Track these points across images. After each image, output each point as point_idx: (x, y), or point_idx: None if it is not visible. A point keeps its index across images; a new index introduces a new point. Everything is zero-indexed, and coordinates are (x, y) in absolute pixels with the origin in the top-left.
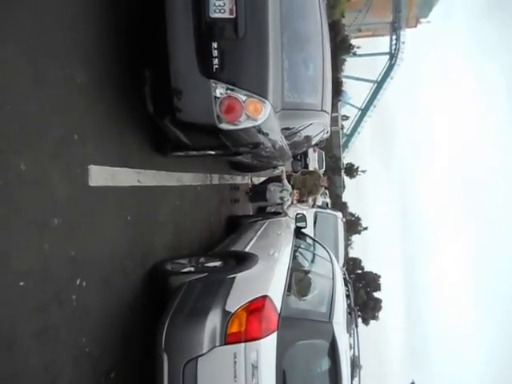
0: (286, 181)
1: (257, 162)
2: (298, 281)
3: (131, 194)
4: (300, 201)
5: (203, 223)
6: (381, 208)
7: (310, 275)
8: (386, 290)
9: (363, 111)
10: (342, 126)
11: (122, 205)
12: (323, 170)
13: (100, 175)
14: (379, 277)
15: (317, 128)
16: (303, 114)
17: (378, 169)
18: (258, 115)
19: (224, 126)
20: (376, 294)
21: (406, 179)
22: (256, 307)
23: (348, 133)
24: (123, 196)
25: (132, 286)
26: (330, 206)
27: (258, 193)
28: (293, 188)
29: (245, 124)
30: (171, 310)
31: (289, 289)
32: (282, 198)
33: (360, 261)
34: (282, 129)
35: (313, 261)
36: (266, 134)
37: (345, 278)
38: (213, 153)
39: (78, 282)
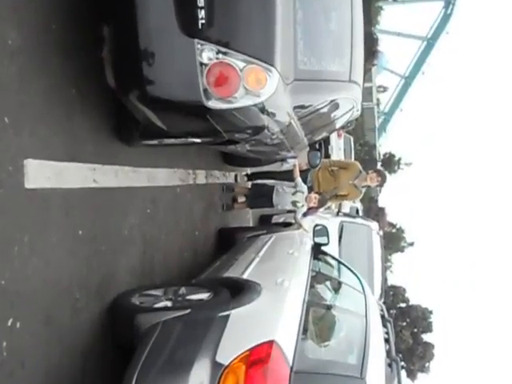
0: (299, 179)
1: (259, 153)
2: (318, 320)
3: (84, 198)
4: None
5: (184, 239)
6: (433, 215)
7: (333, 312)
8: (441, 332)
9: (408, 80)
10: (378, 101)
11: (70, 214)
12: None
13: (40, 173)
14: (430, 313)
15: (343, 105)
16: (324, 86)
17: (429, 161)
18: (260, 89)
19: (214, 103)
20: (426, 337)
21: (468, 175)
22: (259, 358)
23: (386, 110)
24: (73, 202)
25: (85, 328)
26: (361, 213)
27: (260, 195)
28: (310, 190)
29: (243, 101)
30: (140, 361)
31: (304, 331)
32: (294, 204)
33: (404, 290)
34: (295, 107)
35: (338, 291)
36: (272, 115)
37: (383, 316)
38: (198, 141)
39: (9, 323)
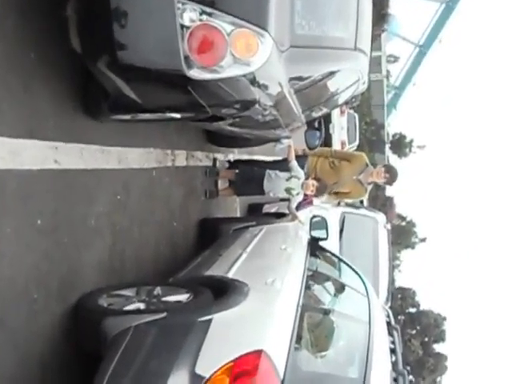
0: (295, 162)
1: (248, 131)
2: (314, 327)
3: (44, 182)
4: (315, 195)
5: (161, 230)
6: (449, 207)
7: (332, 317)
8: (455, 342)
9: (422, 49)
10: (388, 73)
11: (28, 200)
12: (356, 143)
13: None
14: (444, 320)
15: (347, 77)
16: (325, 54)
17: (445, 143)
18: (251, 56)
19: (196, 73)
20: (438, 347)
21: (492, 161)
22: (245, 370)
23: (397, 84)
24: (30, 186)
25: (44, 333)
26: (365, 203)
27: (248, 180)
28: (307, 177)
29: (230, 71)
30: (107, 372)
31: (298, 340)
32: (288, 191)
33: (413, 293)
34: (291, 78)
35: (337, 294)
36: (264, 88)
37: (389, 322)
38: (177, 116)
39: None
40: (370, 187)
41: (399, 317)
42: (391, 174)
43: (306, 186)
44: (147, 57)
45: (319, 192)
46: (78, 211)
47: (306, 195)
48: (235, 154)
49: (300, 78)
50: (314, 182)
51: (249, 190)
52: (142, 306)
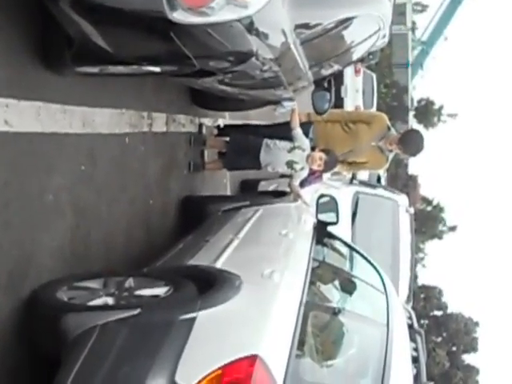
0: (299, 130)
1: (243, 90)
2: (320, 329)
3: None
4: (322, 171)
5: (134, 210)
6: (484, 189)
7: (342, 318)
8: (488, 352)
9: None
10: (414, 24)
11: None
12: (373, 110)
13: None
14: (476, 325)
15: (364, 26)
16: None
17: (481, 112)
18: None
19: (180, 15)
20: (468, 359)
21: None
22: (236, 378)
23: (425, 39)
24: None
25: None
26: (384, 181)
27: (242, 151)
28: (314, 148)
29: (222, 14)
30: (68, 379)
31: (300, 344)
32: (290, 165)
33: (440, 292)
34: (297, 26)
35: (349, 290)
36: (263, 36)
37: (411, 326)
38: (157, 70)
39: None
40: (391, 155)
41: (422, 321)
42: (406, 142)
43: (312, 159)
44: None
45: (328, 167)
46: (32, 184)
47: (311, 170)
48: (226, 119)
49: (307, 26)
50: (322, 155)
51: (242, 163)
52: (110, 300)
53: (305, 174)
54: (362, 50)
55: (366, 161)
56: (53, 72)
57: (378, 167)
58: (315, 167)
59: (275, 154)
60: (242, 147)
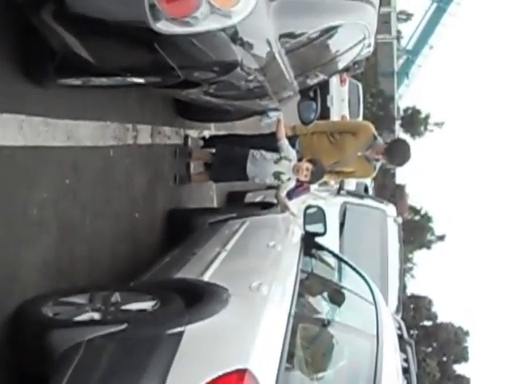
0: (285, 141)
1: (228, 101)
2: (309, 342)
3: None
4: (309, 181)
5: (119, 223)
6: (472, 198)
7: (331, 330)
8: (479, 362)
9: (441, 4)
10: (399, 33)
11: None
12: (359, 119)
13: None
14: (466, 335)
15: (350, 35)
16: (324, 5)
17: (468, 120)
18: (232, 6)
19: (164, 26)
20: (459, 369)
21: None
22: None
23: (410, 48)
24: None
25: None
26: (371, 191)
27: (228, 163)
28: (300, 159)
29: (206, 24)
30: None
31: (290, 357)
32: (277, 176)
33: (429, 302)
34: (282, 35)
35: (338, 301)
36: (248, 46)
37: (401, 336)
38: (141, 81)
39: None
40: (378, 164)
41: (412, 331)
42: (392, 152)
43: (299, 170)
44: (103, 5)
45: (315, 177)
46: (16, 198)
47: (298, 181)
48: (211, 130)
49: (292, 35)
50: (309, 165)
51: (228, 174)
52: (96, 315)
53: (292, 184)
54: (347, 59)
55: (354, 170)
56: (35, 84)
57: (365, 176)
58: (302, 178)
59: (262, 165)
60: (228, 159)
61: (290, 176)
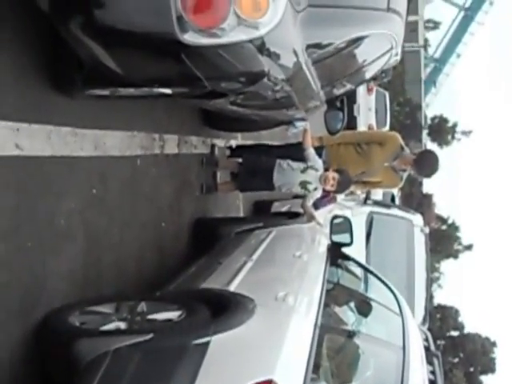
0: (312, 150)
1: (255, 111)
2: (335, 353)
3: (2, 172)
4: (336, 191)
5: (146, 233)
6: (501, 207)
7: (357, 341)
8: (506, 372)
9: (469, 13)
10: (427, 42)
11: None
12: (386, 128)
13: None
14: (493, 345)
15: (377, 45)
16: (351, 16)
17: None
18: (259, 17)
19: (191, 37)
20: (486, 380)
21: None
22: None
23: (437, 56)
24: None
25: (1, 357)
26: (398, 201)
27: (255, 173)
28: (326, 169)
29: (233, 35)
30: None
31: (316, 368)
32: (304, 186)
33: (456, 312)
34: (309, 46)
35: (364, 312)
36: (274, 57)
37: (428, 348)
38: (168, 92)
39: None
40: (405, 175)
41: (438, 341)
42: (420, 163)
43: (326, 179)
44: (131, 17)
45: (341, 187)
46: (44, 208)
47: (325, 191)
48: (238, 140)
49: (319, 46)
50: (335, 175)
51: (255, 184)
52: (122, 325)
53: (318, 194)
54: (374, 69)
55: (380, 180)
56: (63, 95)
57: (392, 186)
58: (328, 187)
59: (288, 175)
60: (255, 168)
61: (316, 185)
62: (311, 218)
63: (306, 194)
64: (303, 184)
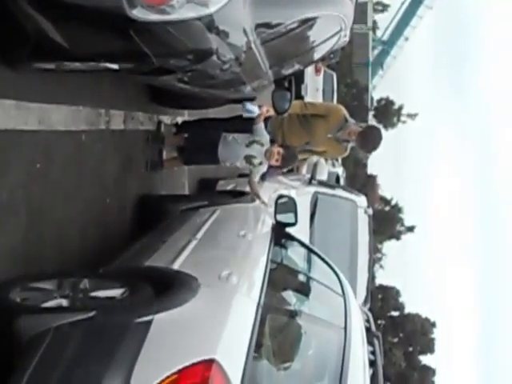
0: (261, 125)
1: (202, 88)
2: (277, 332)
3: None
4: (280, 166)
5: (90, 209)
6: (443, 189)
7: (300, 321)
8: (445, 353)
9: None
10: (375, 24)
11: None
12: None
13: None
14: (433, 326)
15: (326, 26)
16: None
17: (440, 112)
18: None
19: (140, 13)
20: (425, 359)
21: (494, 134)
22: (193, 383)
23: (385, 38)
24: None
25: None
26: (343, 181)
27: (200, 145)
28: (272, 142)
29: (183, 12)
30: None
31: (258, 347)
32: (249, 160)
33: (397, 293)
34: (258, 25)
35: (307, 292)
36: (224, 35)
37: (368, 329)
38: (115, 67)
39: None
40: (349, 145)
41: (379, 321)
42: (364, 138)
43: (270, 154)
44: None
45: (286, 162)
46: None
47: (270, 166)
48: (185, 117)
49: (269, 25)
50: (280, 150)
51: (200, 158)
52: (64, 302)
53: (264, 169)
54: (323, 50)
55: (325, 149)
56: (8, 67)
57: (336, 155)
58: (273, 162)
59: (233, 148)
60: (201, 141)
61: (261, 160)
62: (256, 197)
63: (251, 168)
64: (248, 158)
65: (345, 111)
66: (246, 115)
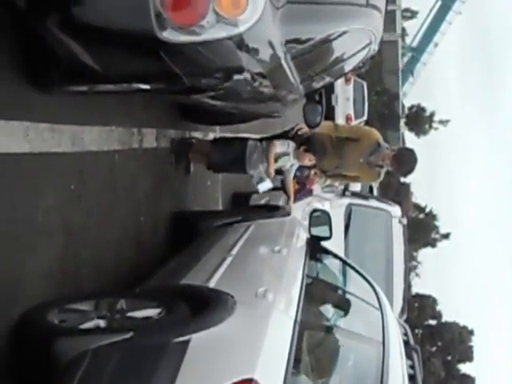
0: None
1: (234, 105)
2: (315, 348)
3: None
4: (311, 166)
5: (124, 228)
6: (479, 195)
7: (337, 336)
8: (484, 361)
9: (446, 1)
10: (404, 31)
11: None
12: (364, 118)
13: None
14: (471, 334)
15: (356, 40)
16: (330, 12)
17: (474, 118)
18: (239, 14)
19: (170, 35)
20: (464, 368)
21: None
22: None
23: (415, 45)
24: None
25: None
26: (376, 192)
27: (226, 157)
28: (299, 144)
29: (213, 32)
30: None
31: (296, 363)
32: (279, 170)
33: (434, 301)
34: (288, 41)
35: (343, 307)
36: (254, 53)
37: (407, 342)
38: (146, 87)
39: None
40: (383, 170)
41: (416, 330)
42: (399, 162)
43: (301, 156)
44: (109, 14)
45: (317, 153)
46: (21, 205)
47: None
48: (216, 133)
49: (298, 41)
50: (309, 155)
51: (227, 163)
52: (102, 323)
53: (295, 167)
54: (353, 63)
55: (358, 175)
56: (41, 91)
57: (370, 181)
58: (306, 162)
59: (260, 156)
60: (227, 153)
61: (292, 162)
62: (289, 195)
63: (284, 171)
64: (279, 168)
65: (378, 135)
66: (261, 189)
